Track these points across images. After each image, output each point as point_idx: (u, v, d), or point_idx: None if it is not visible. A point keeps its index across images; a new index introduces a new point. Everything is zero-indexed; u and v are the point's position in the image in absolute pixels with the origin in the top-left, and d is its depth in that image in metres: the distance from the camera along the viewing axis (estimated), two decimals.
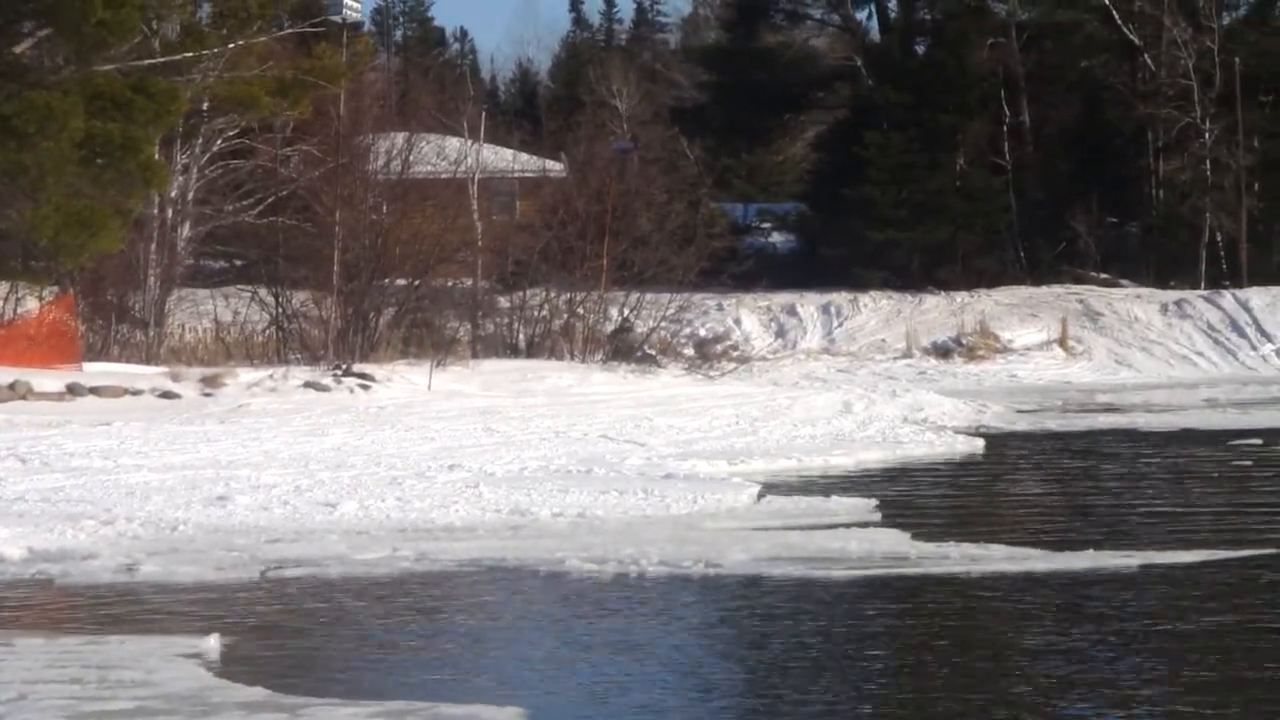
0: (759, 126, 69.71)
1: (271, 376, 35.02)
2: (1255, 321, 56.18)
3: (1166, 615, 14.07)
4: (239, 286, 43.73)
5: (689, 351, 47.75)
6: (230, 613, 14.50)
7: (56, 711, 10.70)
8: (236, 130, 41.90)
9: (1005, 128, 62.86)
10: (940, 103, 60.71)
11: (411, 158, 44.84)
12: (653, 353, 44.81)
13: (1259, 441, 29.29)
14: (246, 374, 35.22)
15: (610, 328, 44.66)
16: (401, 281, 42.20)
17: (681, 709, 11.26)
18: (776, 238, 67.79)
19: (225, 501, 20.18)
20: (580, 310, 44.50)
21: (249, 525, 18.88)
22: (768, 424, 31.19)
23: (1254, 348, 55.20)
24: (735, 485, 22.36)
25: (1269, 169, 62.01)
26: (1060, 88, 64.47)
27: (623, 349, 43.06)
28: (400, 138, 45.47)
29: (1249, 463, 26.37)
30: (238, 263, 45.76)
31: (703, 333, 52.60)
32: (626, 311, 45.43)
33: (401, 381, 35.76)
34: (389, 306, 41.69)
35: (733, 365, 46.40)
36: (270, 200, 42.27)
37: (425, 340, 40.58)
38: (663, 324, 45.79)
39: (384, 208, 42.49)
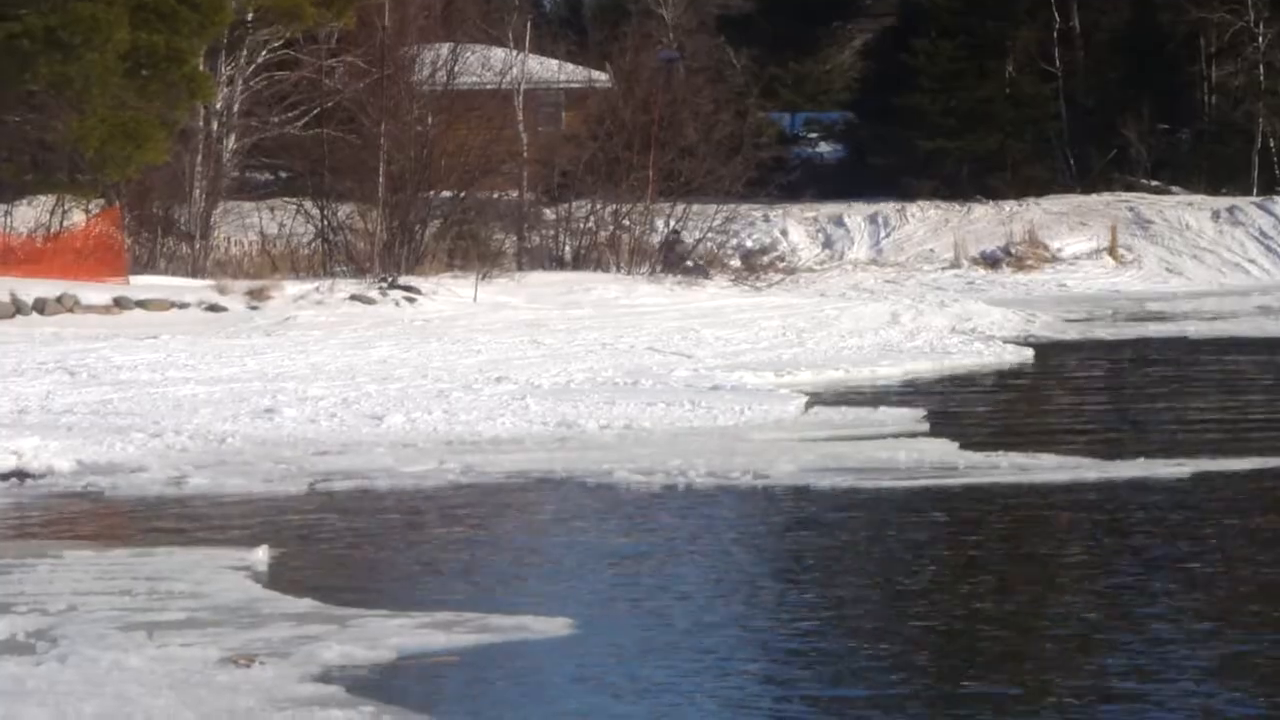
0: (806, 35, 69.19)
1: (317, 289, 35.03)
2: None
3: (1219, 523, 13.98)
4: (284, 199, 43.66)
5: (735, 263, 47.60)
6: (278, 525, 14.51)
7: (107, 623, 10.72)
8: (281, 41, 41.75)
9: (1055, 34, 62.30)
10: (989, 9, 60.18)
11: (456, 68, 44.63)
12: (702, 263, 44.66)
13: None
14: (292, 287, 35.24)
15: (657, 239, 44.52)
16: (447, 194, 42.11)
17: (732, 619, 11.23)
18: (824, 147, 67.45)
19: (272, 414, 20.18)
20: (626, 222, 44.35)
21: (296, 437, 18.89)
22: (814, 335, 31.09)
23: None
24: (782, 396, 22.29)
25: None
26: None
27: (672, 260, 42.93)
28: (445, 48, 45.25)
29: None
30: (283, 175, 45.70)
31: (749, 244, 52.38)
32: (674, 223, 45.26)
33: (447, 294, 35.73)
34: (434, 219, 41.63)
35: (779, 276, 46.24)
36: (315, 112, 42.16)
37: (471, 252, 40.53)
38: (709, 235, 45.63)
39: (429, 119, 42.34)
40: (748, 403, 21.31)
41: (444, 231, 41.34)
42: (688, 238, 45.15)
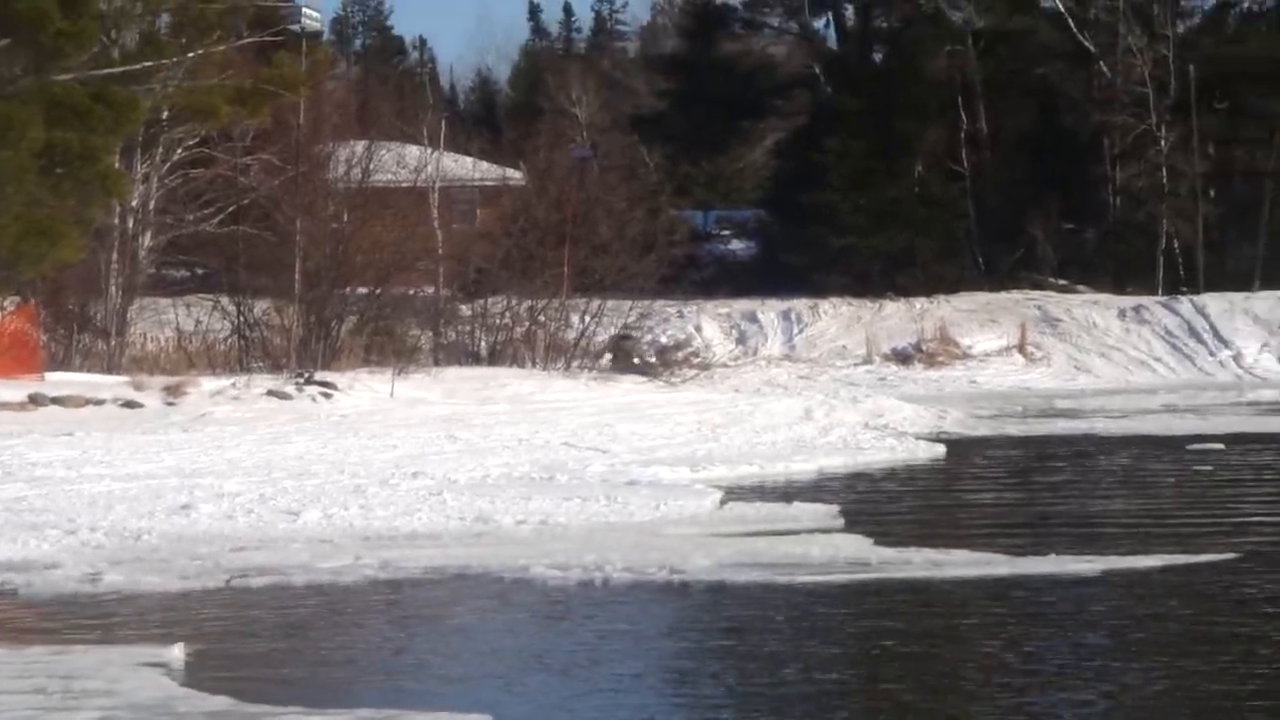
0: (718, 134, 69.78)
1: (234, 385, 34.99)
2: (1212, 327, 56.47)
3: (1128, 620, 14.16)
4: (200, 295, 43.65)
5: (650, 359, 47.83)
6: (195, 621, 14.50)
7: None
8: (196, 139, 41.83)
9: (963, 134, 63.15)
10: (898, 110, 60.96)
11: (371, 166, 44.82)
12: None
13: (1220, 446, 29.44)
14: (209, 382, 35.18)
15: (572, 335, 44.68)
16: (363, 290, 42.19)
17: (651, 717, 11.30)
18: (736, 244, 67.93)
19: (189, 510, 20.16)
20: (541, 318, 44.53)
21: (213, 534, 18.87)
22: (729, 430, 31.28)
23: (1211, 353, 55.48)
24: (698, 492, 22.42)
25: (1224, 176, 62.40)
26: (1016, 94, 64.69)
27: (621, 357, 43.19)
28: (360, 146, 45.45)
29: (1209, 468, 26.52)
30: (199, 271, 45.68)
31: (664, 340, 52.67)
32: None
33: (364, 389, 35.76)
34: (350, 314, 41.70)
35: (694, 372, 46.49)
36: (231, 209, 42.23)
37: (387, 348, 40.60)
38: (624, 330, 45.86)
39: (344, 216, 42.48)
40: (663, 498, 21.44)
41: (360, 327, 41.40)
42: (635, 334, 45.43)
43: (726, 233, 68.91)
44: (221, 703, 11.41)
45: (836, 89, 63.65)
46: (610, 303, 45.57)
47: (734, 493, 22.76)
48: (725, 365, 51.90)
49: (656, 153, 65.17)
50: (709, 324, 58.01)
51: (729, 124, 69.32)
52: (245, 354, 41.04)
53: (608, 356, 43.54)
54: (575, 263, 44.85)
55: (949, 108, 63.03)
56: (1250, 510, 21.42)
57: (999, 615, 14.52)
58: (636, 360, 44.51)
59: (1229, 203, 62.46)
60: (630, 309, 45.68)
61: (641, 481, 23.22)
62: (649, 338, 49.43)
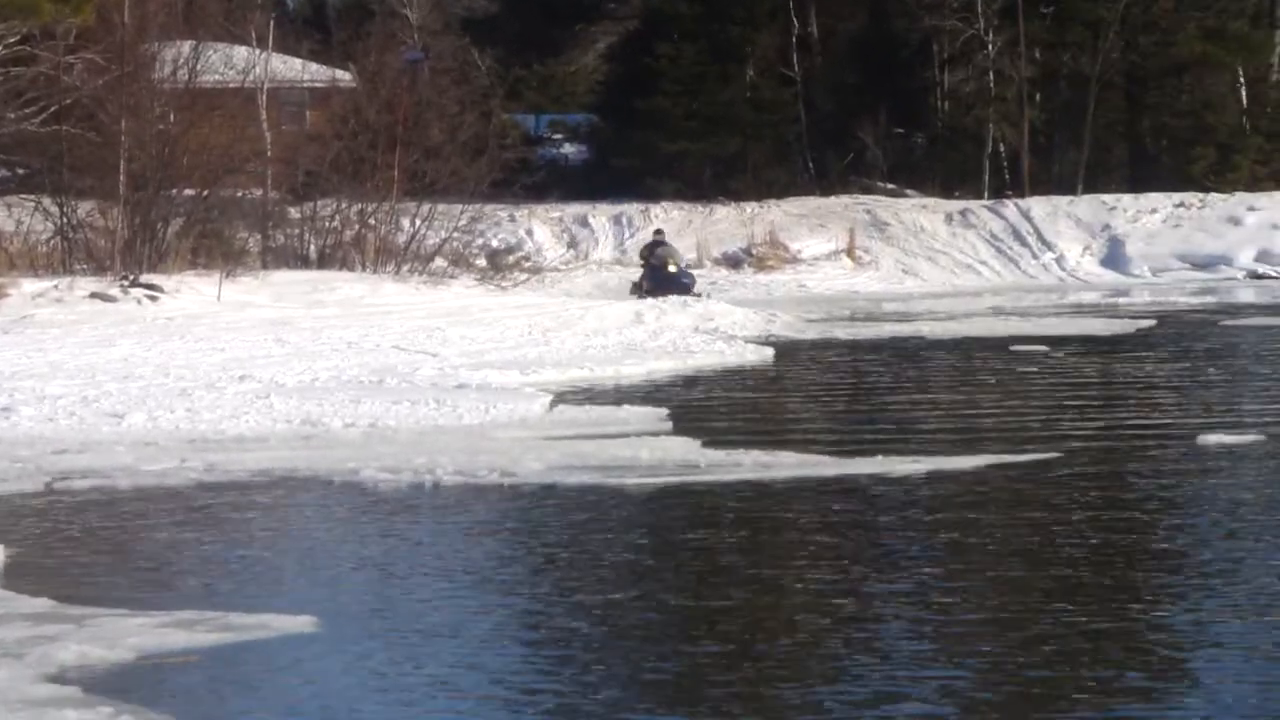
0: (550, 37, 69.44)
1: (56, 287, 34.48)
2: (1037, 231, 57.15)
3: (953, 518, 14.34)
4: (22, 195, 42.81)
5: (481, 262, 47.67)
6: (15, 524, 14.32)
7: None
8: (17, 37, 40.96)
9: (794, 39, 63.27)
10: (730, 14, 60.96)
11: (199, 66, 44.13)
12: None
13: (1044, 348, 29.83)
14: (30, 284, 34.65)
15: (403, 238, 44.38)
16: (190, 192, 41.63)
17: (475, 618, 11.31)
18: (568, 149, 67.77)
19: (9, 412, 19.89)
20: (372, 221, 44.21)
21: (34, 436, 18.64)
22: (560, 334, 31.25)
23: (1035, 256, 56.18)
24: (528, 395, 22.41)
25: (1049, 80, 63.05)
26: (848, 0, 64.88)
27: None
28: (187, 46, 44.72)
29: (1033, 369, 26.86)
30: (20, 171, 44.84)
31: (495, 243, 52.51)
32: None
33: (190, 292, 35.37)
34: (177, 217, 41.12)
35: (525, 276, 46.40)
36: (54, 109, 41.43)
37: (215, 251, 40.13)
38: (455, 234, 45.62)
39: (171, 117, 41.84)
40: (493, 401, 21.41)
41: (187, 230, 40.86)
42: (432, 237, 45.03)
43: (558, 137, 68.70)
44: (42, 604, 11.31)
45: None
46: (441, 206, 45.31)
47: (564, 396, 22.77)
48: (557, 269, 51.83)
49: (488, 56, 64.73)
50: (540, 228, 57.92)
51: (561, 27, 69.01)
52: (69, 256, 40.35)
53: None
54: (406, 166, 44.53)
55: (780, 12, 63.13)
56: (1071, 410, 21.74)
57: (826, 515, 14.65)
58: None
59: (1054, 107, 63.13)
60: (461, 213, 45.44)
61: (471, 385, 23.17)
62: (480, 241, 49.21)
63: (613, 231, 58.66)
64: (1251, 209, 57.45)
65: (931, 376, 26.94)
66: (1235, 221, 56.89)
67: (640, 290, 43.14)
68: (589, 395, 23.41)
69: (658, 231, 47.90)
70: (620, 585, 12.14)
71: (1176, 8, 62.74)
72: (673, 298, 39.54)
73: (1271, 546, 12.92)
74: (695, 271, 48.10)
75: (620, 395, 23.31)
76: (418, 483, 16.13)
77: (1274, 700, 9.09)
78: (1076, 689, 9.34)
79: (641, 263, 45.32)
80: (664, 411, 20.99)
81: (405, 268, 43.22)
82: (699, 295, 42.78)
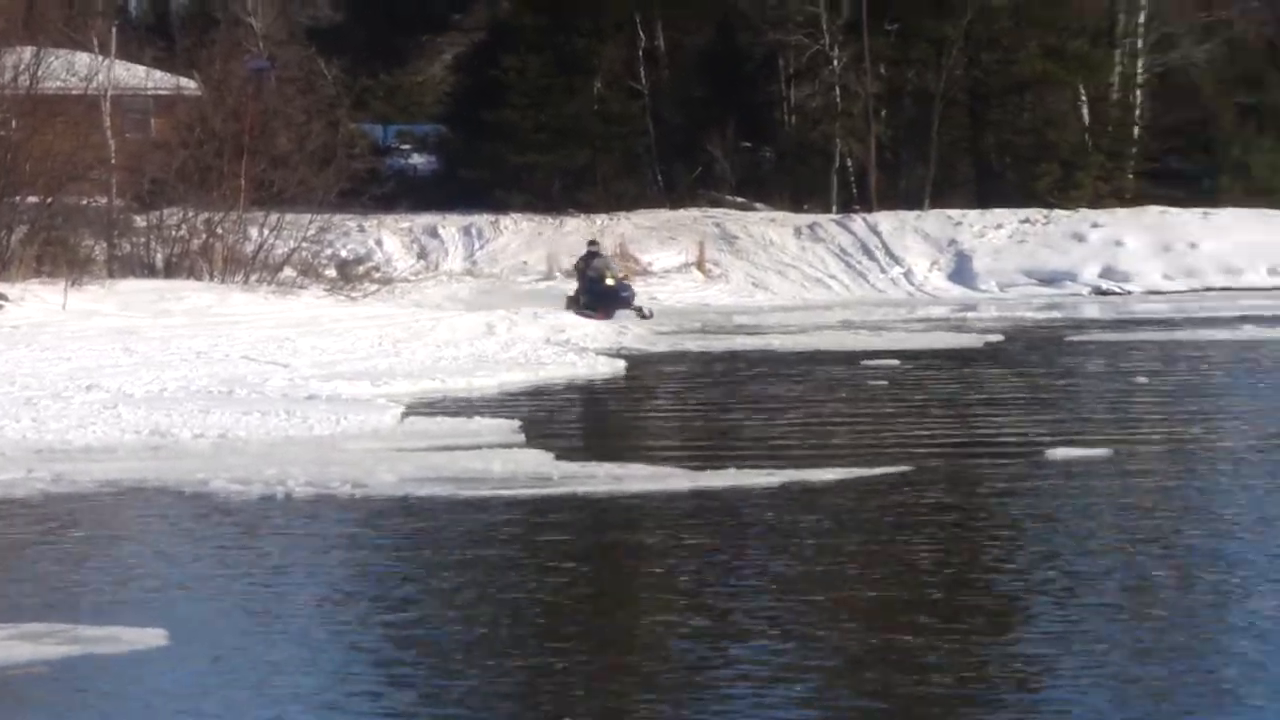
0: (397, 47, 69.16)
1: None
2: (884, 245, 57.56)
3: (805, 531, 14.39)
4: None
5: (330, 272, 47.36)
6: None
7: None
8: None
9: (641, 52, 63.40)
10: (576, 26, 61.00)
11: (40, 72, 43.55)
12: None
13: (894, 362, 30.01)
14: None
15: (251, 248, 44.01)
16: (33, 199, 41.06)
17: (327, 630, 11.22)
18: (417, 159, 67.52)
19: None
20: (219, 230, 43.80)
21: None
22: (410, 345, 31.10)
23: (883, 270, 56.58)
24: (379, 406, 22.28)
25: (895, 97, 63.58)
26: (694, 12, 65.08)
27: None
28: (28, 52, 44.12)
29: (883, 382, 27.04)
30: None
31: (344, 254, 52.18)
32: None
33: (35, 301, 34.89)
34: (21, 224, 40.54)
35: (375, 286, 46.12)
36: None
37: (60, 259, 39.59)
38: (304, 244, 45.31)
39: (13, 124, 41.26)
40: (344, 412, 21.27)
41: (31, 238, 40.27)
42: (280, 247, 44.54)
43: (407, 147, 68.45)
44: None
45: (516, 4, 63.45)
46: (289, 216, 44.96)
47: (416, 408, 22.66)
48: (407, 280, 51.54)
49: (335, 65, 64.26)
50: (390, 239, 57.63)
51: (408, 37, 68.76)
52: None
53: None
54: (253, 175, 44.16)
55: (627, 25, 63.24)
56: (922, 424, 21.90)
57: (676, 528, 14.65)
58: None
59: (900, 123, 63.64)
60: (310, 222, 45.12)
61: (322, 396, 23.01)
62: (329, 251, 48.90)
63: (463, 242, 58.48)
64: (1095, 225, 58.18)
65: (783, 390, 27.05)
66: (1079, 238, 57.60)
67: (578, 305, 41.93)
68: (441, 407, 23.31)
69: (592, 242, 46.20)
70: (470, 597, 12.08)
71: (1018, 26, 63.45)
72: (523, 309, 39.42)
73: (1115, 560, 13.07)
74: (546, 283, 47.97)
75: (472, 407, 23.22)
76: (268, 494, 15.98)
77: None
78: (928, 702, 9.40)
79: (575, 275, 44.15)
80: (516, 423, 20.93)
81: (254, 277, 42.85)
82: (640, 310, 42.12)
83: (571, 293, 43.30)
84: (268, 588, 12.47)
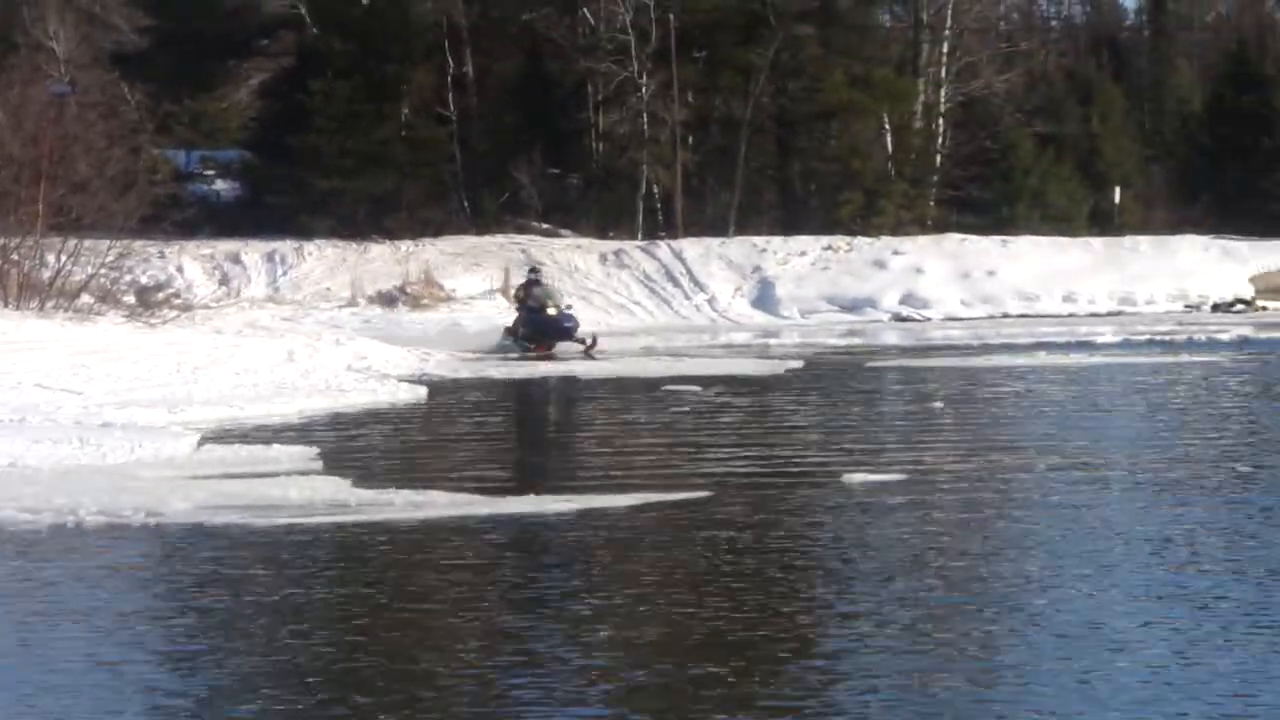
0: (202, 73, 68.52)
1: None
2: (689, 272, 57.88)
3: (603, 558, 14.40)
4: None
5: (129, 299, 46.75)
6: None
7: None
8: None
9: (450, 78, 63.32)
10: (385, 52, 60.85)
11: None
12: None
13: (696, 388, 30.15)
14: None
15: (48, 274, 43.33)
16: None
17: (109, 662, 11.06)
18: (220, 185, 66.93)
19: None
20: (15, 256, 43.09)
21: None
22: (209, 372, 30.77)
23: (688, 297, 56.89)
24: (175, 434, 22.04)
25: (702, 124, 64.00)
26: (503, 39, 65.16)
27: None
28: None
29: (685, 408, 27.15)
30: None
31: (144, 280, 51.55)
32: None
33: None
34: None
35: (175, 313, 45.59)
36: None
37: None
38: (102, 271, 44.69)
39: None
40: (139, 440, 20.99)
41: None
42: (78, 273, 43.88)
43: (210, 173, 67.82)
44: None
45: (323, 30, 63.15)
46: (88, 242, 44.35)
47: (213, 435, 22.44)
48: (208, 306, 50.99)
49: (138, 90, 63.63)
50: (191, 265, 57.07)
51: (213, 63, 68.15)
52: None
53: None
54: (51, 201, 43.52)
55: (436, 51, 63.17)
56: (722, 449, 22.01)
57: (474, 555, 14.62)
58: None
59: (707, 150, 64.07)
60: (109, 248, 44.54)
61: (116, 424, 22.72)
62: (129, 278, 48.27)
63: (265, 269, 58.04)
64: (896, 253, 58.89)
65: (585, 416, 27.09)
66: (880, 265, 58.26)
67: (515, 337, 40.83)
68: (239, 434, 23.09)
69: (532, 270, 44.84)
70: (260, 625, 11.96)
71: (825, 55, 64.14)
72: (325, 335, 39.13)
73: (905, 585, 13.20)
74: (349, 309, 47.65)
75: (271, 434, 23.04)
76: (59, 523, 15.74)
77: None
78: None
79: (516, 305, 42.51)
80: (315, 450, 20.79)
81: (50, 304, 42.16)
82: (584, 342, 40.66)
83: (510, 324, 41.90)
84: (49, 619, 12.26)
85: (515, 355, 40.33)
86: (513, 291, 43.98)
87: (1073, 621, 11.57)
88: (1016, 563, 13.87)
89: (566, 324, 40.87)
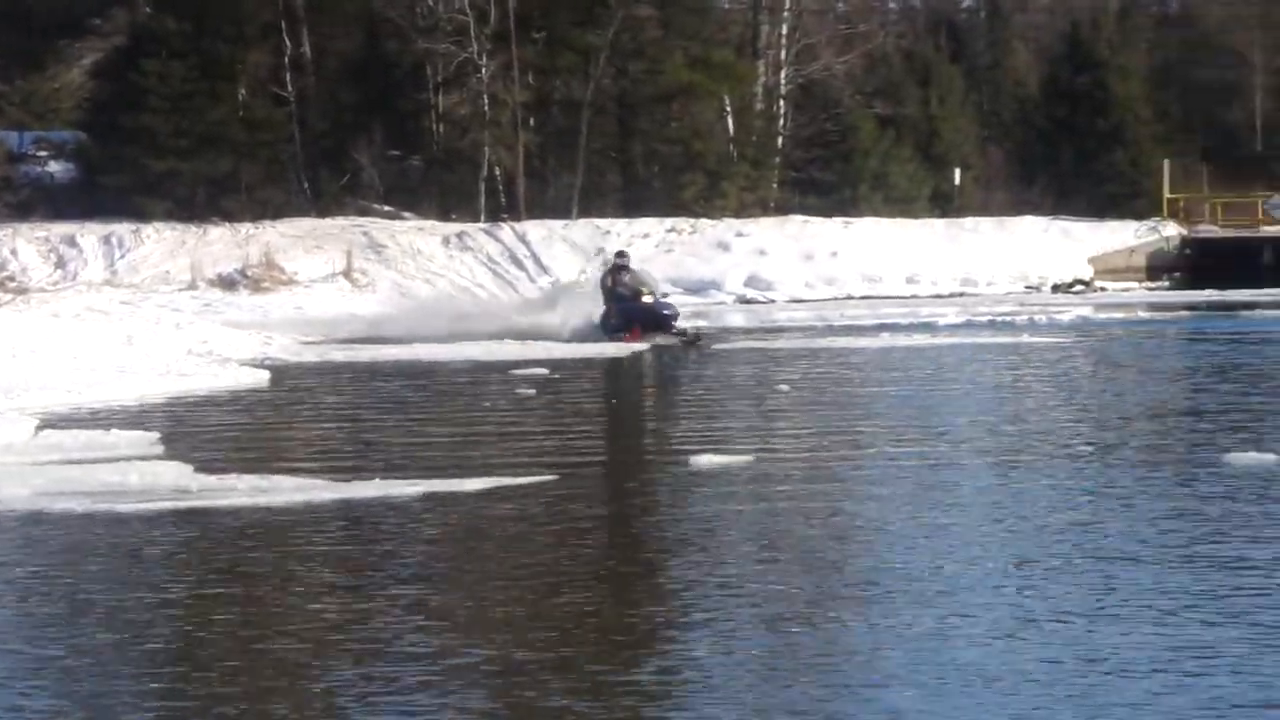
0: (32, 52, 67.51)
1: None
2: (533, 254, 57.75)
3: (449, 541, 14.27)
4: None
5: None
6: None
7: None
8: None
9: (287, 59, 62.75)
10: (219, 31, 60.22)
11: None
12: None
13: (543, 371, 30.02)
14: None
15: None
16: None
17: None
18: (54, 166, 65.98)
19: None
20: None
21: None
22: (46, 356, 30.24)
23: (532, 279, 56.75)
24: (10, 419, 21.59)
25: (543, 106, 63.85)
26: (341, 19, 64.70)
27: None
28: None
29: (531, 391, 27.02)
30: None
31: None
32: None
33: None
34: None
35: (9, 297, 44.90)
36: None
37: None
38: None
39: None
40: None
41: None
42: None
43: (44, 154, 66.83)
44: None
45: (156, 9, 62.38)
46: None
47: (51, 420, 22.02)
48: (44, 290, 50.30)
49: None
50: (26, 248, 56.21)
51: (44, 43, 67.14)
52: None
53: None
54: None
55: (272, 31, 62.58)
56: (570, 433, 21.92)
57: (320, 540, 14.43)
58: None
59: (549, 132, 63.93)
60: None
61: None
62: None
63: (103, 252, 57.25)
64: (740, 235, 59.06)
65: (431, 399, 26.88)
66: (724, 247, 58.41)
67: (607, 327, 36.97)
68: (77, 419, 22.70)
69: (620, 254, 40.08)
70: (99, 614, 11.73)
71: (664, 36, 64.20)
72: (165, 319, 38.60)
73: (747, 567, 13.16)
74: (189, 293, 46.99)
75: (110, 419, 22.66)
76: None
77: None
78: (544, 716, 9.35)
79: (602, 293, 38.28)
80: (156, 436, 20.47)
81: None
82: (685, 334, 36.70)
83: (600, 315, 37.91)
84: None
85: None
86: (600, 278, 39.61)
87: (914, 594, 11.58)
88: (860, 541, 13.88)
89: (665, 312, 37.04)
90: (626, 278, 37.31)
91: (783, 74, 68.44)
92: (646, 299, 36.63)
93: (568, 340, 36.86)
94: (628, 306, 36.52)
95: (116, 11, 66.62)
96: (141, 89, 58.61)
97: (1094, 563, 12.77)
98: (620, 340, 35.72)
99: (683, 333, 36.72)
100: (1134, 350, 34.63)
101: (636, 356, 34.52)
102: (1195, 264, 64.73)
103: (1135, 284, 62.99)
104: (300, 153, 62.27)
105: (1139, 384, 27.50)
